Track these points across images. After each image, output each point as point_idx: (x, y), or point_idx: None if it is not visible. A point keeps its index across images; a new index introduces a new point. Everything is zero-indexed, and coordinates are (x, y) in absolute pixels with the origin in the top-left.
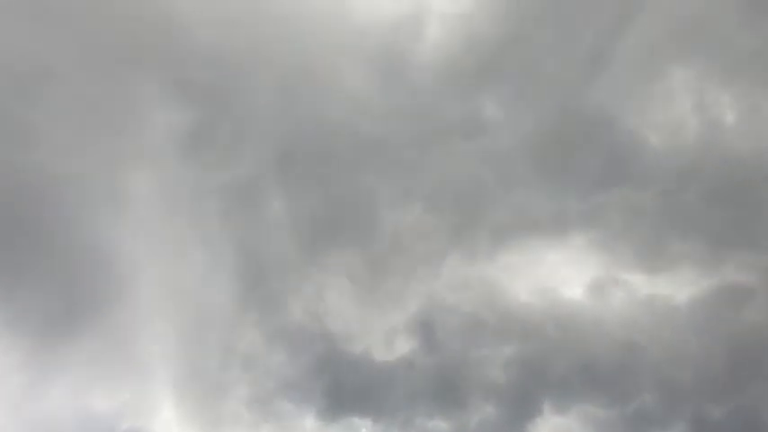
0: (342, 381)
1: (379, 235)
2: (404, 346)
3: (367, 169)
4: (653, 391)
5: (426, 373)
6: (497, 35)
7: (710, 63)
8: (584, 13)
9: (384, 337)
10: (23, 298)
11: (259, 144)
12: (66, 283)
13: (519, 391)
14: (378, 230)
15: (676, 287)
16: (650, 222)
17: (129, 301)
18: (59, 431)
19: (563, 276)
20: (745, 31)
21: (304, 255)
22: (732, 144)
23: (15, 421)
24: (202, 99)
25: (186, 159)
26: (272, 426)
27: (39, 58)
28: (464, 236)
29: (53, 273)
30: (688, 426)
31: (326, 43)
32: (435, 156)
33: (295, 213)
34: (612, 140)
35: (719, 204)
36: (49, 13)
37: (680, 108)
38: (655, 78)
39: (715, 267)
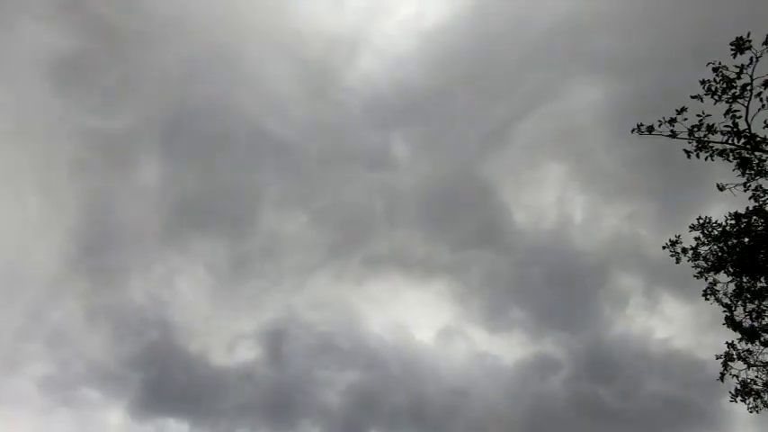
0: (166, 378)
1: (254, 234)
2: (247, 354)
3: (262, 166)
4: None
5: (263, 385)
6: (423, 85)
7: (576, 168)
8: (497, 95)
9: (228, 340)
10: None
11: (149, 99)
12: None
13: (349, 418)
14: (254, 230)
15: (507, 349)
16: (501, 286)
17: None
18: None
19: (418, 317)
20: (605, 150)
21: (164, 232)
22: (576, 239)
23: None
24: (92, 28)
25: (56, 92)
26: (69, 413)
27: None
28: (338, 257)
29: None
30: None
31: (260, 37)
32: (335, 175)
33: (168, 185)
34: (488, 208)
35: (553, 286)
36: None
37: (546, 198)
38: (534, 168)
39: (538, 338)
